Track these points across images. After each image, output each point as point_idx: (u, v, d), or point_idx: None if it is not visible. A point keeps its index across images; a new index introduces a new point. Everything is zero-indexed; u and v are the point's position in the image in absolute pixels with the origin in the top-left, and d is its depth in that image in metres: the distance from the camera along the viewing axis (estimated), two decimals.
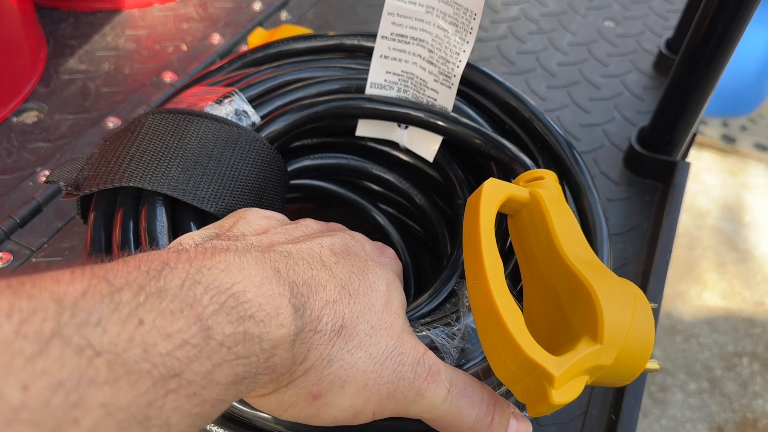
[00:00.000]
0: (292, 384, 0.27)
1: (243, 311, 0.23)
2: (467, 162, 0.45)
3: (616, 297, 0.30)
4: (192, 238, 0.29)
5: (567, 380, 0.28)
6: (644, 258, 0.51)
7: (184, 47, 0.66)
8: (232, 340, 0.22)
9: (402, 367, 0.29)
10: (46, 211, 0.50)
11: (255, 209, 0.33)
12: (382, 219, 0.47)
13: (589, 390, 0.43)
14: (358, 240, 0.33)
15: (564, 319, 0.31)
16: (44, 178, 0.48)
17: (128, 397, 0.19)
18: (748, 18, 0.48)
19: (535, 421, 0.42)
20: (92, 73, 0.63)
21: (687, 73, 0.52)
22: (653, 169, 0.57)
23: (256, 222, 0.31)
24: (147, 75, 0.63)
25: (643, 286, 0.48)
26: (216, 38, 0.67)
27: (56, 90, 0.61)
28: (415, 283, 0.46)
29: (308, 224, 0.33)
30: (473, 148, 0.41)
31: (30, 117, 0.59)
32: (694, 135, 0.57)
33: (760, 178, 1.93)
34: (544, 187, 0.36)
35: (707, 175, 1.92)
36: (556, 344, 0.31)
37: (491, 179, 0.34)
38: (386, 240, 0.47)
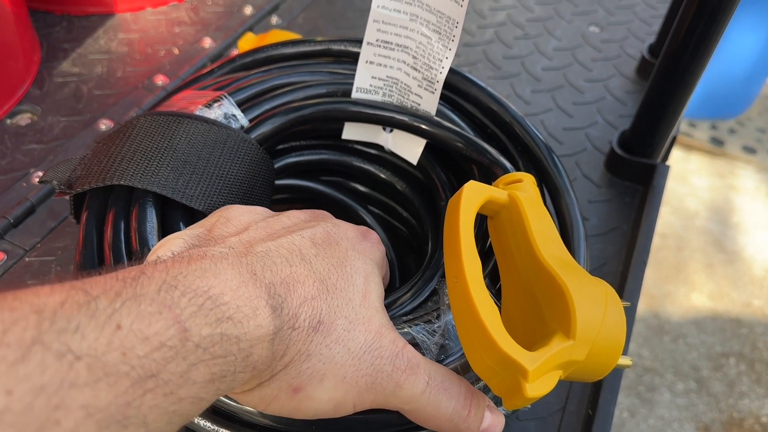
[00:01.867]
0: (273, 378, 0.28)
1: (221, 313, 0.24)
2: (450, 164, 0.46)
3: (588, 295, 0.31)
4: (175, 241, 0.30)
5: (541, 374, 0.30)
6: (623, 258, 0.52)
7: (176, 51, 0.67)
8: (209, 341, 0.23)
9: (380, 360, 0.30)
10: (39, 211, 0.51)
11: (237, 206, 0.34)
12: (368, 219, 0.48)
13: (568, 386, 0.44)
14: (340, 227, 0.34)
15: (539, 317, 0.33)
16: (38, 180, 0.49)
17: (108, 398, 0.20)
18: (725, 23, 0.50)
19: (515, 416, 0.43)
20: (85, 76, 0.64)
21: (666, 77, 0.54)
22: (634, 172, 0.58)
23: (238, 219, 0.32)
24: (139, 78, 0.64)
25: (621, 286, 0.49)
26: (207, 42, 0.68)
27: (49, 93, 0.62)
28: (400, 280, 0.47)
29: (291, 214, 0.34)
30: (455, 151, 0.43)
31: (23, 119, 0.60)
32: (674, 138, 0.58)
33: (749, 180, 1.95)
34: (522, 189, 0.38)
35: (696, 178, 1.94)
36: (532, 340, 0.32)
37: (471, 182, 0.36)
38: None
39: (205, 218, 0.33)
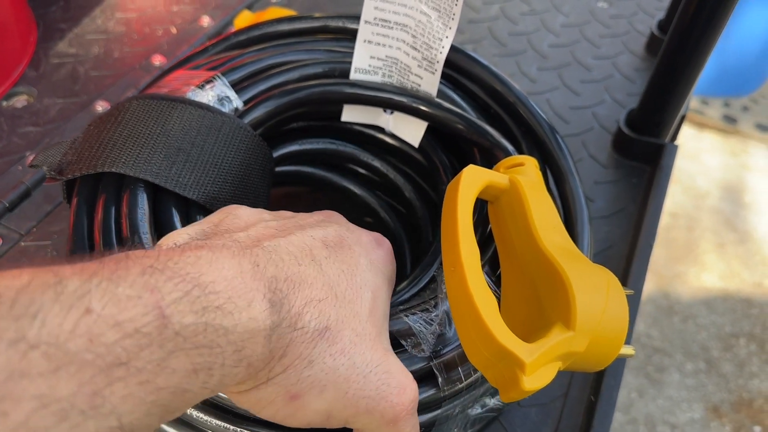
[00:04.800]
0: (271, 381, 0.27)
1: (208, 302, 0.23)
2: (452, 147, 0.45)
3: (590, 284, 0.30)
4: (180, 235, 0.29)
5: (538, 367, 0.29)
6: (630, 240, 0.51)
7: (174, 30, 0.66)
8: (191, 330, 0.22)
9: (387, 388, 0.29)
10: (35, 195, 0.51)
11: (245, 207, 0.32)
12: (372, 201, 0.47)
13: (570, 372, 0.44)
14: (354, 232, 0.33)
15: (539, 306, 0.32)
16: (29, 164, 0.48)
17: (69, 387, 0.19)
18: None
19: (517, 402, 0.42)
20: (82, 57, 0.63)
21: (675, 54, 0.52)
22: (641, 152, 0.57)
23: (247, 217, 0.31)
24: (136, 58, 0.63)
25: (627, 269, 0.48)
26: (206, 21, 0.67)
27: (46, 74, 0.61)
28: (411, 261, 0.46)
29: (302, 216, 0.33)
30: (456, 133, 0.42)
31: (20, 101, 0.59)
32: (683, 117, 0.57)
33: (761, 158, 1.92)
34: (524, 173, 0.37)
35: (707, 156, 1.91)
36: (531, 330, 0.31)
37: (470, 166, 0.35)
38: (379, 221, 0.48)
39: (213, 214, 0.32)
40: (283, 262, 0.27)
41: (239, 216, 0.31)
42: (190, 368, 0.22)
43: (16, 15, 0.62)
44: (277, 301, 0.25)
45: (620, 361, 0.42)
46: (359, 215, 0.49)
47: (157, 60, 0.63)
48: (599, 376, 0.42)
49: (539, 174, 0.37)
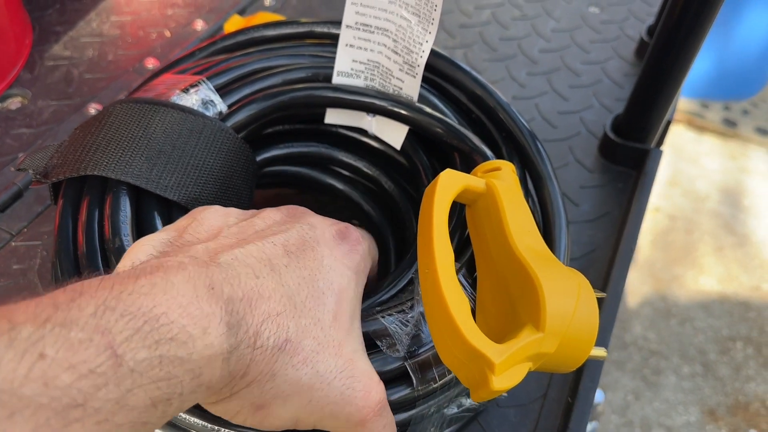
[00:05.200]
0: (235, 395, 0.27)
1: (161, 335, 0.23)
2: (434, 150, 0.45)
3: (560, 287, 0.31)
4: (142, 248, 0.29)
5: (508, 367, 0.29)
6: (613, 244, 0.52)
7: (168, 33, 0.67)
8: (146, 365, 0.22)
9: (352, 392, 0.29)
10: (27, 196, 0.52)
11: (214, 208, 0.33)
12: (356, 196, 0.48)
13: (549, 374, 0.44)
14: (317, 228, 0.33)
15: (512, 308, 0.32)
16: (15, 168, 0.49)
17: (25, 431, 0.19)
18: (719, 2, 0.49)
19: (495, 402, 0.43)
20: (76, 60, 0.64)
21: (659, 59, 0.53)
22: (627, 157, 0.57)
23: (210, 222, 0.31)
24: (130, 61, 0.64)
25: (608, 273, 0.48)
26: (199, 24, 0.68)
27: (40, 76, 0.62)
28: (396, 255, 0.47)
29: (266, 215, 0.33)
30: (435, 137, 0.42)
31: (14, 103, 0.60)
32: (669, 123, 0.57)
33: (761, 162, 1.92)
34: (500, 178, 0.37)
35: (707, 159, 1.92)
36: (504, 332, 0.32)
37: (447, 170, 0.35)
38: (364, 217, 0.48)
39: (181, 218, 0.33)
40: (239, 277, 0.27)
41: (203, 221, 0.31)
42: (149, 402, 0.22)
43: (11, 18, 0.63)
44: (234, 323, 0.25)
45: (598, 364, 0.43)
46: (347, 216, 0.50)
47: (151, 63, 0.63)
48: (577, 377, 0.43)
49: (516, 179, 0.38)
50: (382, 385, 0.31)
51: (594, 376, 0.42)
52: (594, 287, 0.32)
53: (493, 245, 0.35)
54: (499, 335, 0.31)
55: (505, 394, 0.39)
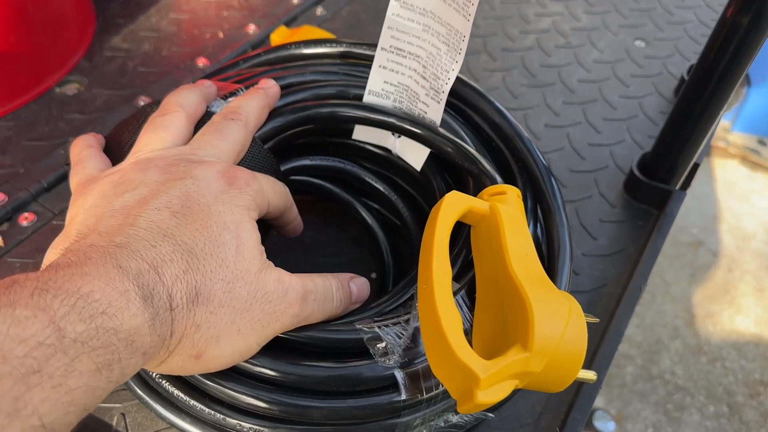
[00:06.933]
0: (173, 353, 0.30)
1: (93, 309, 0.25)
2: (453, 174, 0.47)
3: (551, 310, 0.32)
4: (52, 252, 0.32)
5: (493, 383, 0.31)
6: (624, 282, 0.53)
7: (221, 34, 0.70)
8: (86, 336, 0.25)
9: (270, 305, 0.32)
10: None
11: (87, 196, 0.34)
12: (369, 219, 0.50)
13: (544, 400, 0.45)
14: (200, 181, 0.33)
15: (505, 327, 0.34)
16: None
17: None
18: (756, 48, 0.49)
19: (488, 425, 0.44)
20: (132, 52, 0.68)
21: (691, 102, 0.53)
22: (650, 196, 0.58)
23: (88, 211, 0.33)
24: (182, 58, 0.67)
25: (614, 310, 0.49)
26: (251, 28, 0.71)
27: (98, 65, 0.66)
28: (394, 277, 0.49)
29: (142, 180, 0.33)
30: (446, 157, 0.44)
31: (71, 89, 0.64)
32: (696, 166, 0.58)
33: None
34: (505, 201, 0.39)
35: (758, 197, 1.87)
36: (496, 349, 0.33)
37: (453, 192, 0.37)
38: (373, 239, 0.50)
39: (66, 220, 0.35)
40: (139, 252, 0.29)
41: (85, 209, 0.33)
42: (94, 368, 0.25)
43: (77, 7, 0.67)
44: (147, 295, 0.28)
45: (589, 397, 0.44)
46: (360, 231, 0.52)
47: (201, 62, 0.67)
48: (569, 409, 0.44)
49: (521, 203, 0.39)
50: (293, 279, 0.34)
51: (584, 409, 0.43)
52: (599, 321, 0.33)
53: (492, 266, 0.37)
54: (490, 352, 0.32)
55: (492, 415, 0.40)
